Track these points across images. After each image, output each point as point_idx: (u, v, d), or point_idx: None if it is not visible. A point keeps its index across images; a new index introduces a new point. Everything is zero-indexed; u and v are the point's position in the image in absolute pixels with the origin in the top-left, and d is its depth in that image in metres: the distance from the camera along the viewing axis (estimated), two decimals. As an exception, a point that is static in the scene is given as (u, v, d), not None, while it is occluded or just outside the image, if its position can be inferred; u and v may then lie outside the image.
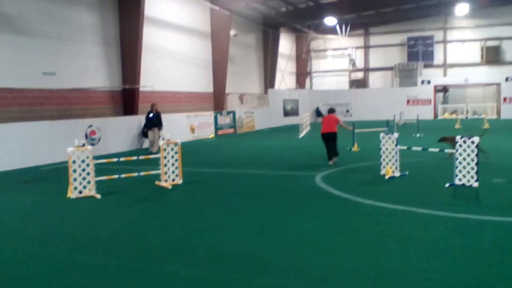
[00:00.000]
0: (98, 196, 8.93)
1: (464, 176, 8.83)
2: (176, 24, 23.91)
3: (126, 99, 20.10)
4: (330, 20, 34.32)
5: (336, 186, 9.41)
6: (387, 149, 10.38)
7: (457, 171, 8.90)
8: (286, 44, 38.31)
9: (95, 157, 9.52)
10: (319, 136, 12.87)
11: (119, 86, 19.93)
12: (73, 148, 8.94)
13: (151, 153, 15.16)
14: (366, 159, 13.08)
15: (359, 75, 40.53)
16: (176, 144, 10.17)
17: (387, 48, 39.07)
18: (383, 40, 39.21)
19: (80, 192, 8.97)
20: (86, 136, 15.89)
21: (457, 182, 8.91)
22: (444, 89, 37.71)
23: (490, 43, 36.01)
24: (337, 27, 36.94)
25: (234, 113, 26.50)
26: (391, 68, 38.65)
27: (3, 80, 15.04)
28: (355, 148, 15.56)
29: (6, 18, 15.17)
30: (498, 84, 34.38)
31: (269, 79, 34.47)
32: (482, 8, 34.34)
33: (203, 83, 26.53)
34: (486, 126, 24.93)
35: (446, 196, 8.30)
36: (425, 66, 37.32)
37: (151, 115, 17.00)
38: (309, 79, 42.03)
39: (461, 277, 4.60)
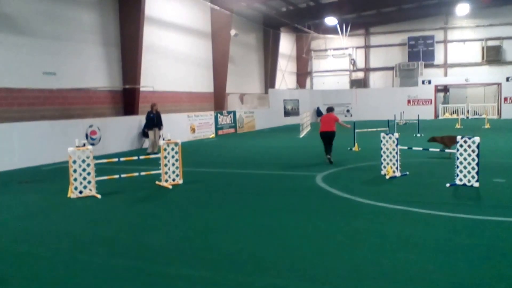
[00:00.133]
0: (99, 196, 8.93)
1: (464, 176, 8.83)
2: (177, 24, 23.90)
3: (127, 99, 20.09)
4: (330, 20, 34.29)
5: (337, 186, 9.41)
6: (387, 149, 10.39)
7: (457, 171, 8.91)
8: (286, 44, 38.30)
9: (96, 157, 9.52)
10: (319, 135, 12.91)
11: (120, 86, 19.93)
12: (74, 148, 8.94)
13: (149, 154, 15.05)
14: (367, 159, 13.08)
15: (360, 75, 40.50)
16: (176, 144, 10.17)
17: (388, 48, 39.01)
18: (383, 40, 39.16)
19: (81, 192, 8.97)
20: (87, 136, 15.89)
21: (457, 182, 8.92)
22: (445, 89, 37.66)
23: (490, 43, 35.95)
24: (338, 27, 36.88)
25: (234, 113, 26.50)
26: (391, 68, 38.60)
27: (3, 80, 15.03)
28: (355, 148, 15.55)
29: (6, 18, 15.18)
30: (499, 84, 34.32)
31: (269, 79, 34.45)
32: (483, 8, 34.30)
33: (203, 83, 26.52)
34: (487, 126, 24.93)
35: (446, 196, 8.29)
36: (426, 66, 37.27)
37: (151, 115, 16.96)
38: (310, 79, 41.99)
39: (462, 277, 4.59)
